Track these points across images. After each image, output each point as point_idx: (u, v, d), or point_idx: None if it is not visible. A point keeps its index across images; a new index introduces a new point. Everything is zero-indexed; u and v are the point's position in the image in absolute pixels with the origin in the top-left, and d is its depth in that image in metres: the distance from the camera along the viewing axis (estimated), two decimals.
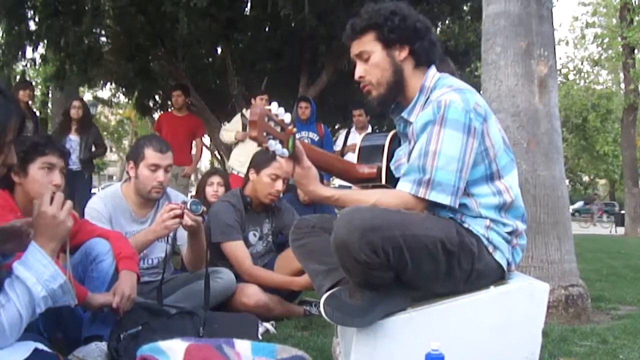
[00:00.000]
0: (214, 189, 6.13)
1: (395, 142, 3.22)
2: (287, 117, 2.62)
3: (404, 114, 2.96)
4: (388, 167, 3.16)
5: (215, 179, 6.23)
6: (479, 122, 2.78)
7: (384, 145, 3.22)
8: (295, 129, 2.67)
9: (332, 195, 2.82)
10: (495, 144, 2.85)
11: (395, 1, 2.96)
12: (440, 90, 2.85)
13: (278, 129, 2.58)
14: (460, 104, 2.73)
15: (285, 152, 2.61)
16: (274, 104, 2.60)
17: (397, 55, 2.91)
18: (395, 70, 2.91)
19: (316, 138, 9.22)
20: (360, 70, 2.95)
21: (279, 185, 4.84)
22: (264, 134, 2.52)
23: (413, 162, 2.77)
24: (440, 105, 2.73)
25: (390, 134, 3.27)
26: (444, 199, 2.72)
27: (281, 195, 5.02)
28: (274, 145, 2.54)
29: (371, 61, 2.91)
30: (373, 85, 2.93)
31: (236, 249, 4.70)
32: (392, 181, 3.05)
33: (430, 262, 2.66)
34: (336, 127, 18.42)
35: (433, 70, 2.98)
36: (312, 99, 9.85)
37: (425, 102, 2.89)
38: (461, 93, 2.79)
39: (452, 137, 2.71)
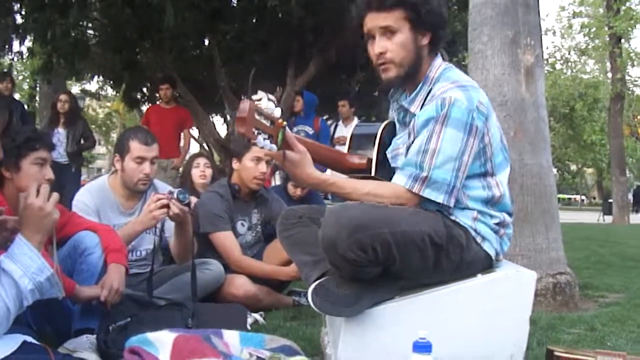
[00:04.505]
0: (201, 169, 6.10)
1: (387, 133, 3.18)
2: (277, 112, 2.60)
3: (405, 103, 2.93)
4: (378, 159, 3.14)
5: (202, 161, 6.20)
6: (481, 121, 2.76)
7: (375, 135, 3.18)
8: (284, 122, 2.65)
9: (327, 179, 2.80)
10: (493, 142, 2.84)
11: None
12: (443, 84, 2.81)
13: (268, 123, 2.56)
14: (464, 103, 2.70)
15: (274, 147, 2.60)
16: (264, 98, 2.58)
17: (420, 40, 2.84)
18: (417, 55, 2.85)
19: (311, 132, 9.24)
20: (382, 45, 2.83)
21: (263, 167, 4.84)
22: (254, 130, 2.50)
23: (411, 157, 2.76)
24: (445, 103, 2.70)
25: (383, 124, 3.23)
26: (437, 196, 2.72)
27: (266, 176, 5.02)
28: (263, 142, 2.53)
29: (396, 39, 2.81)
30: (394, 64, 2.84)
31: (225, 239, 4.70)
32: (382, 172, 3.04)
33: (419, 257, 2.67)
34: (324, 118, 18.40)
35: (439, 60, 2.94)
36: (306, 92, 9.94)
37: (428, 94, 2.86)
38: (465, 91, 2.75)
39: (453, 136, 2.69)
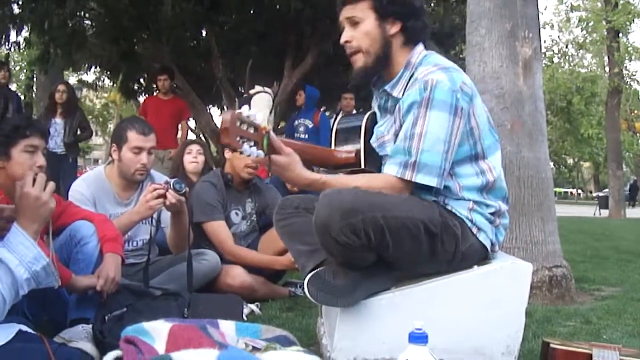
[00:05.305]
0: (193, 155, 6.04)
1: (372, 124, 3.16)
2: (258, 117, 2.60)
3: (387, 87, 2.92)
4: (366, 151, 3.13)
5: (194, 147, 6.16)
6: (466, 102, 2.76)
7: (359, 127, 3.17)
8: (268, 128, 2.66)
9: (319, 179, 2.78)
10: (480, 123, 2.83)
11: None
12: (425, 68, 2.81)
13: (251, 130, 2.57)
14: (447, 84, 2.70)
15: (261, 153, 2.60)
16: (245, 107, 2.59)
17: (388, 29, 2.85)
18: (384, 44, 2.86)
19: (310, 125, 9.24)
20: (347, 34, 2.88)
21: None
22: (237, 138, 2.51)
23: (399, 144, 2.76)
24: (427, 86, 2.70)
25: (367, 115, 3.22)
26: (431, 180, 2.72)
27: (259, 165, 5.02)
28: (249, 149, 2.53)
29: (361, 28, 2.85)
30: (362, 52, 2.87)
31: (218, 229, 4.71)
32: (371, 163, 3.04)
33: (412, 244, 2.66)
34: (322, 109, 18.37)
35: (420, 47, 2.93)
36: (308, 86, 9.97)
37: (410, 78, 2.86)
38: (447, 72, 2.76)
39: (438, 118, 2.69)
